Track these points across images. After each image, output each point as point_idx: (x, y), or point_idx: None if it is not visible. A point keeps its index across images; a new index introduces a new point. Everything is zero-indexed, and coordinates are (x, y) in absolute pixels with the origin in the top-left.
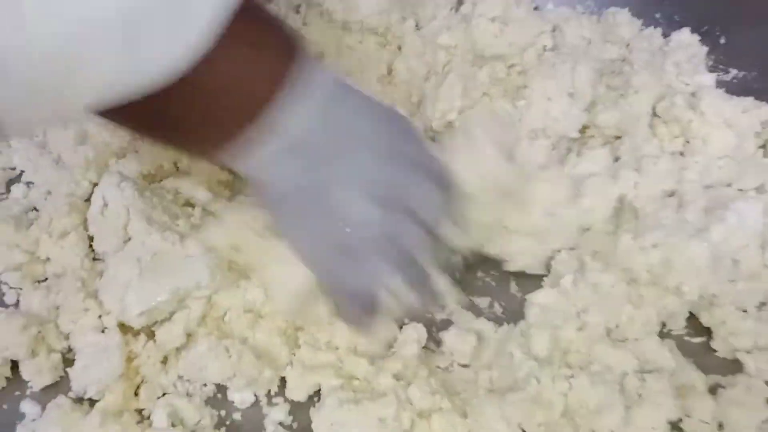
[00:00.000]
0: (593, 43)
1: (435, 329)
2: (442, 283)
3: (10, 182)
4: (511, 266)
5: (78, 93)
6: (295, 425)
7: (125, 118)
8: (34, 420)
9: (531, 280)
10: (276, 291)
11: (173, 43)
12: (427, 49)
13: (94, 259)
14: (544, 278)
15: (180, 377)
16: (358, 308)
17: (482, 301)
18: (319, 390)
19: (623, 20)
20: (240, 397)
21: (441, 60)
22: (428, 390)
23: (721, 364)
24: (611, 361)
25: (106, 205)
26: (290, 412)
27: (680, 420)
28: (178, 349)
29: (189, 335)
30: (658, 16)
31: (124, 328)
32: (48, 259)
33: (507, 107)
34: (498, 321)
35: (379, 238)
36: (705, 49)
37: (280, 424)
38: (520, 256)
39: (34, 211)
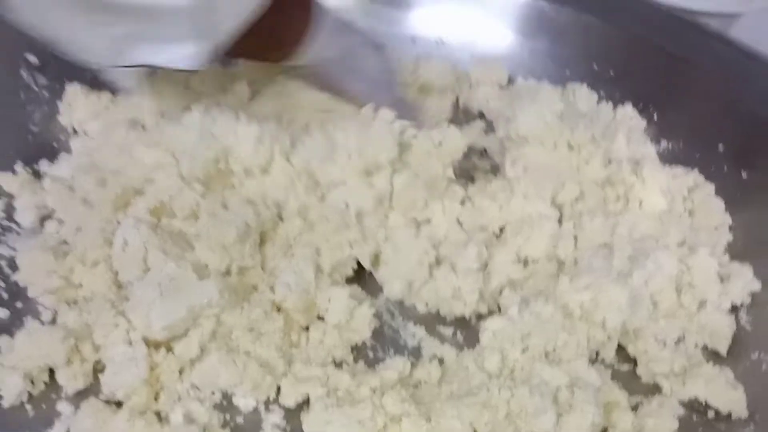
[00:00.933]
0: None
1: (408, 354)
2: None
3: (43, 219)
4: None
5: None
6: (288, 428)
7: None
8: (68, 417)
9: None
10: None
11: None
12: None
13: (119, 287)
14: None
15: (193, 385)
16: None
17: (447, 330)
18: (308, 399)
19: (583, 95)
20: (243, 402)
21: None
22: (399, 399)
23: (644, 387)
24: (547, 377)
25: (126, 243)
26: (284, 417)
27: (606, 430)
28: (192, 361)
29: (202, 349)
30: (602, 93)
31: (148, 341)
32: (80, 284)
33: None
34: (459, 347)
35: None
36: (644, 122)
37: (276, 426)
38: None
39: (65, 243)
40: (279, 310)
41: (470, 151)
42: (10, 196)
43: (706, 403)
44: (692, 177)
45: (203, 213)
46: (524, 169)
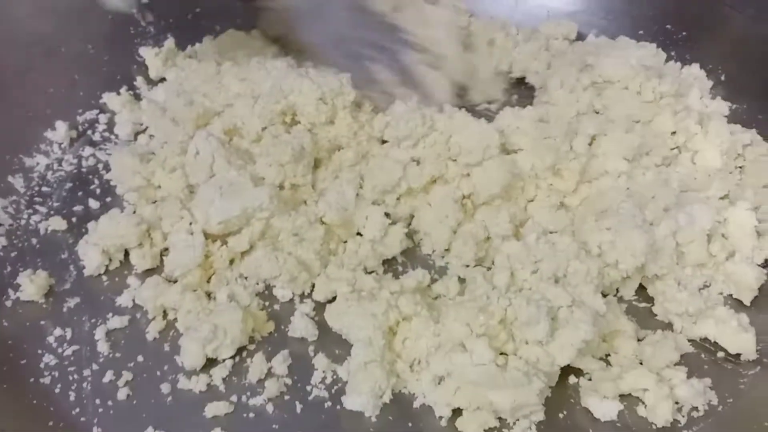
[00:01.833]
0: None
1: (433, 272)
2: None
3: (137, 133)
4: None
5: None
6: (316, 318)
7: None
8: (135, 289)
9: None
10: None
11: None
12: None
13: (190, 191)
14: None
15: (240, 274)
16: None
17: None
18: (335, 297)
19: (650, 53)
20: (281, 293)
21: None
22: (413, 302)
23: (657, 324)
24: (550, 295)
25: (197, 152)
26: (314, 309)
27: (609, 354)
28: (242, 254)
29: (251, 245)
30: (673, 53)
31: (206, 233)
32: (159, 186)
33: None
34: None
35: None
36: (710, 83)
37: (306, 315)
38: None
39: (151, 153)
40: (322, 223)
41: None
42: (113, 113)
43: (715, 342)
44: (749, 135)
45: (267, 134)
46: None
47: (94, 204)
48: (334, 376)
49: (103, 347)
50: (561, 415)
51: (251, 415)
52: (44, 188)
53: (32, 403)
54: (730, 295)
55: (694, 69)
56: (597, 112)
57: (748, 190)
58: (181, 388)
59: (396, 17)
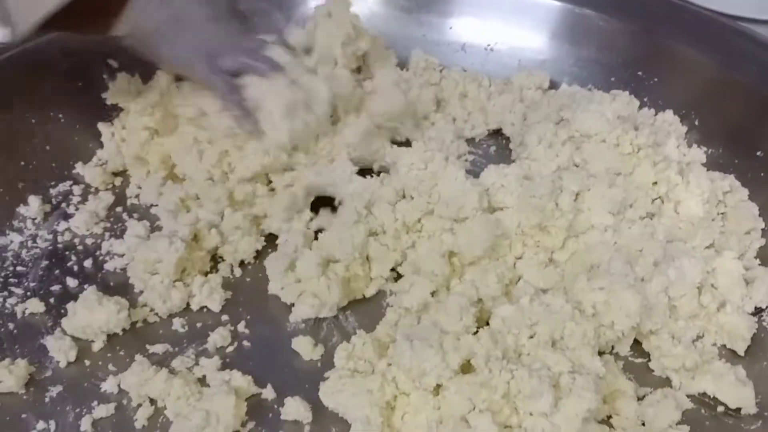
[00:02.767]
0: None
1: None
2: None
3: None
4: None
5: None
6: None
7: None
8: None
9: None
10: None
11: None
12: None
13: None
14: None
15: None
16: None
17: None
18: None
19: (624, 101)
20: None
21: None
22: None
23: (655, 380)
24: (550, 362)
25: None
26: (307, 386)
27: (610, 417)
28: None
29: None
30: (646, 99)
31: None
32: None
33: None
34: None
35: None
36: (685, 128)
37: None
38: None
39: None
40: None
41: None
42: (87, 184)
43: (714, 397)
44: (728, 181)
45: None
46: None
47: (71, 283)
48: None
49: None
50: None
51: None
52: (19, 267)
53: None
54: (724, 346)
55: (668, 115)
56: (576, 166)
57: (732, 237)
58: None
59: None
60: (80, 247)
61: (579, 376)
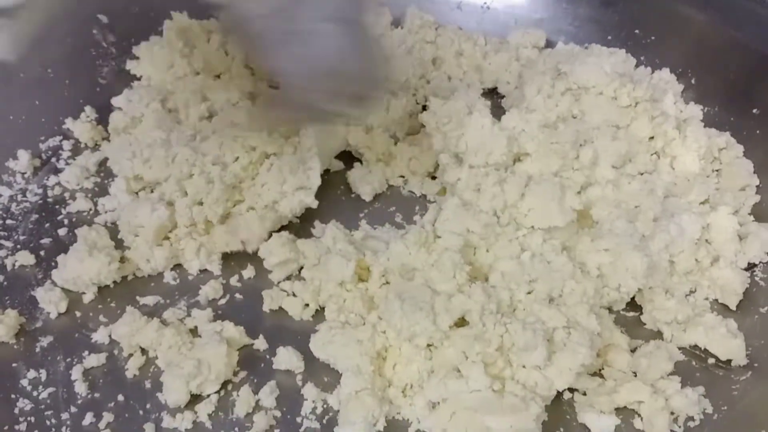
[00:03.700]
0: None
1: None
2: None
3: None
4: None
5: None
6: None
7: None
8: (112, 324)
9: None
10: None
11: None
12: None
13: None
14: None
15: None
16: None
17: None
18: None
19: (620, 59)
20: None
21: None
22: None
23: (647, 333)
24: (545, 317)
25: None
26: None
27: (602, 368)
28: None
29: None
30: (643, 58)
31: None
32: None
33: None
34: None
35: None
36: (681, 86)
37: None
38: None
39: None
40: None
41: None
42: (77, 139)
43: (705, 349)
44: (724, 138)
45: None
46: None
47: (62, 235)
48: (325, 406)
49: (80, 388)
50: None
51: None
52: (9, 221)
53: None
54: (716, 300)
55: (665, 74)
56: (574, 117)
57: (726, 193)
58: (165, 427)
59: None
60: (70, 201)
61: (574, 331)
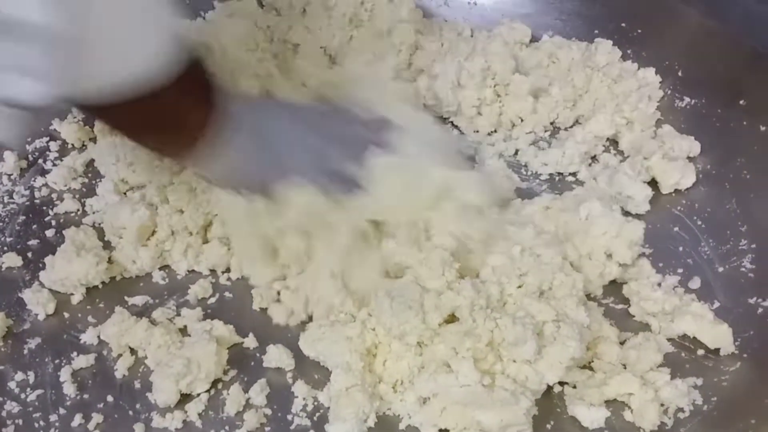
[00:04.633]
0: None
1: None
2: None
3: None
4: None
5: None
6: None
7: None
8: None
9: None
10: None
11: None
12: None
13: None
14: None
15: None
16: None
17: None
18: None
19: (605, 50)
20: None
21: None
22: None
23: (635, 325)
24: (534, 311)
25: None
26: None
27: (592, 361)
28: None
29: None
30: (629, 51)
31: None
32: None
33: None
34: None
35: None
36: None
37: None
38: None
39: None
40: None
41: None
42: (64, 140)
43: (694, 338)
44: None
45: None
46: None
47: (49, 237)
48: (315, 403)
49: (69, 389)
50: (548, 426)
51: None
52: None
53: None
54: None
55: (649, 73)
56: None
57: None
58: (155, 427)
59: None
60: (57, 202)
61: (563, 325)
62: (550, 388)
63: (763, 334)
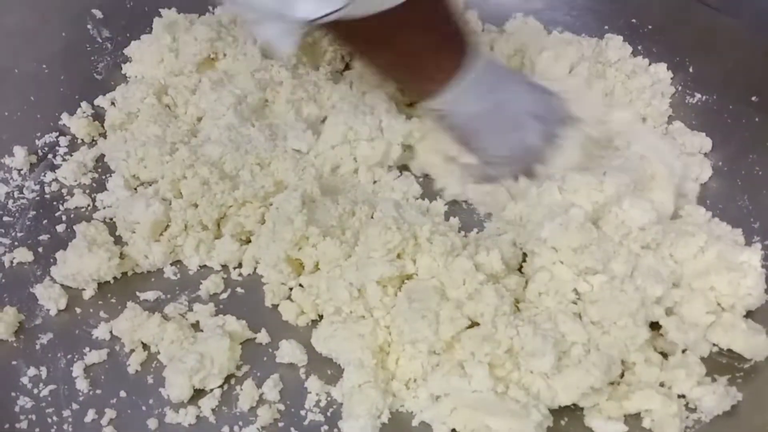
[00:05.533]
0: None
1: None
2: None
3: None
4: None
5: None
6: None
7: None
8: (113, 320)
9: None
10: None
11: None
12: None
13: None
14: None
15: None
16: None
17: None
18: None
19: (616, 45)
20: None
21: None
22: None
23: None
24: (566, 330)
25: None
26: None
27: (623, 373)
28: None
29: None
30: (640, 47)
31: None
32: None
33: None
34: None
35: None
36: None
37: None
38: None
39: None
40: None
41: None
42: (73, 135)
43: (729, 350)
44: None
45: None
46: None
47: (60, 232)
48: (329, 398)
49: (82, 385)
50: None
51: None
52: (6, 218)
53: None
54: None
55: (661, 68)
56: None
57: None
58: (169, 422)
59: None
60: (68, 197)
61: (594, 352)
62: None
63: None
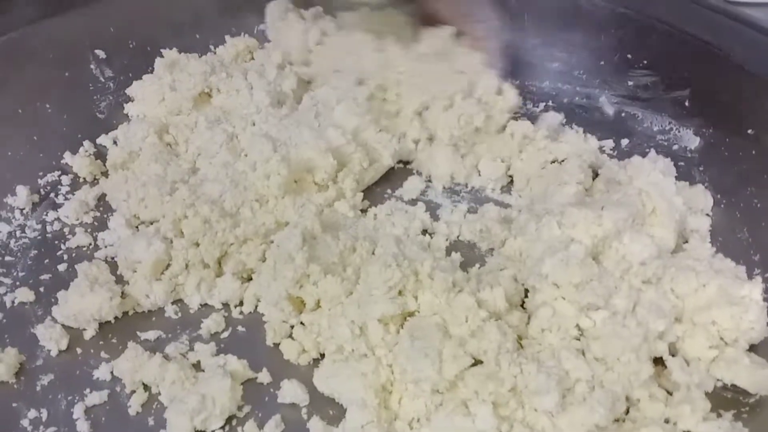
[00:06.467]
0: None
1: None
2: None
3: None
4: None
5: None
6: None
7: None
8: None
9: None
10: None
11: None
12: None
13: None
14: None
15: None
16: None
17: None
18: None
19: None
20: None
21: None
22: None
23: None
24: (570, 366)
25: None
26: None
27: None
28: None
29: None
30: (631, 83)
31: None
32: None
33: None
34: None
35: None
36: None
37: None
38: None
39: None
40: None
41: None
42: (76, 174)
43: (733, 385)
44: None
45: None
46: None
47: (62, 271)
48: None
49: (83, 427)
50: None
51: None
52: (7, 258)
53: None
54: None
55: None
56: None
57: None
58: None
59: None
60: (69, 236)
61: (599, 390)
62: None
63: None
